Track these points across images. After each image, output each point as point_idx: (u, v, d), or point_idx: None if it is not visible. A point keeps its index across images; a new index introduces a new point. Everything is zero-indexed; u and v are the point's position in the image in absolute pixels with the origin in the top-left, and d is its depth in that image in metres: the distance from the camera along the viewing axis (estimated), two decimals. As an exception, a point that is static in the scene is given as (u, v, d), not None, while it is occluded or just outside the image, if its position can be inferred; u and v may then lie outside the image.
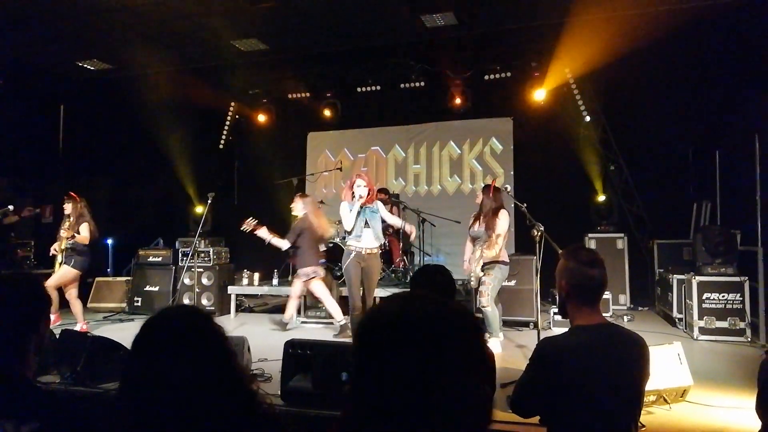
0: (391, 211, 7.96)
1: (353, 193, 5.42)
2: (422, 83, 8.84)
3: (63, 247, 6.19)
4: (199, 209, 9.32)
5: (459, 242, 6.95)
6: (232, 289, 7.73)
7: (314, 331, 6.51)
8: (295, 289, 6.42)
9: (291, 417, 3.46)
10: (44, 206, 8.80)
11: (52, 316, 6.10)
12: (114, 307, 8.08)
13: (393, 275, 7.80)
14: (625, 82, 7.73)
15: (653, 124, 7.89)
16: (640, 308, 7.61)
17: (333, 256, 7.14)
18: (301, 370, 3.74)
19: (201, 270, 7.60)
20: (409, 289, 2.25)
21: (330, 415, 3.29)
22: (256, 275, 7.85)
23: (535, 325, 5.16)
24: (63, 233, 6.17)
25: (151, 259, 8.15)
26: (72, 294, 6.26)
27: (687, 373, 3.65)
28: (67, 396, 3.77)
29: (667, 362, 3.60)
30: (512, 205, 6.58)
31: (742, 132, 6.26)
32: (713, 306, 5.79)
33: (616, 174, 8.30)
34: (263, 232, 5.96)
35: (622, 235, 7.81)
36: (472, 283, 5.49)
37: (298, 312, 7.05)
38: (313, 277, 6.11)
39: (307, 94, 9.54)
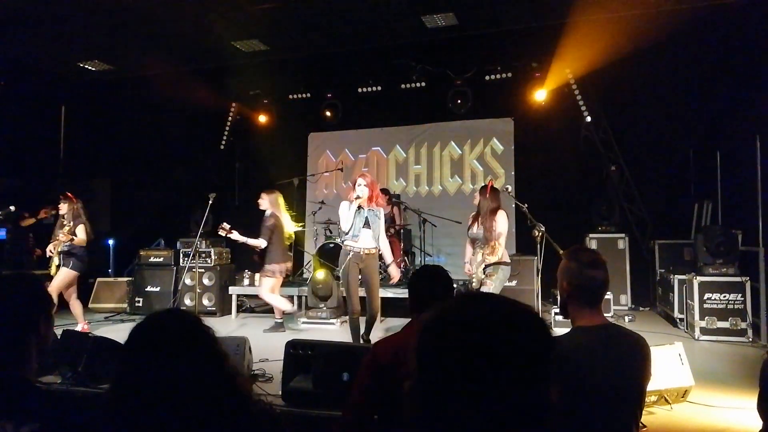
0: (392, 212, 7.97)
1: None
2: (423, 84, 8.83)
3: (59, 249, 6.13)
4: (200, 210, 9.30)
5: (460, 243, 6.94)
6: (233, 290, 7.74)
7: (314, 332, 6.51)
8: (267, 285, 6.42)
9: (292, 417, 3.47)
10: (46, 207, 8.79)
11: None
12: (115, 307, 8.09)
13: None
14: (626, 82, 7.72)
15: (654, 124, 7.89)
16: (641, 308, 7.61)
17: (334, 257, 7.13)
18: (302, 371, 3.74)
19: (202, 270, 7.59)
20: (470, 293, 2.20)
21: (331, 416, 3.28)
22: (257, 276, 7.82)
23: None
24: (61, 236, 6.08)
25: (152, 259, 8.16)
26: (72, 295, 6.24)
27: (688, 374, 3.65)
28: (68, 396, 3.76)
29: (669, 362, 3.61)
30: (513, 206, 6.58)
31: (743, 132, 6.26)
32: (714, 306, 5.79)
33: (617, 174, 8.29)
34: (236, 235, 6.17)
35: (623, 235, 7.80)
36: (473, 284, 5.47)
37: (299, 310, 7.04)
38: (274, 275, 6.23)
39: (308, 95, 9.54)
